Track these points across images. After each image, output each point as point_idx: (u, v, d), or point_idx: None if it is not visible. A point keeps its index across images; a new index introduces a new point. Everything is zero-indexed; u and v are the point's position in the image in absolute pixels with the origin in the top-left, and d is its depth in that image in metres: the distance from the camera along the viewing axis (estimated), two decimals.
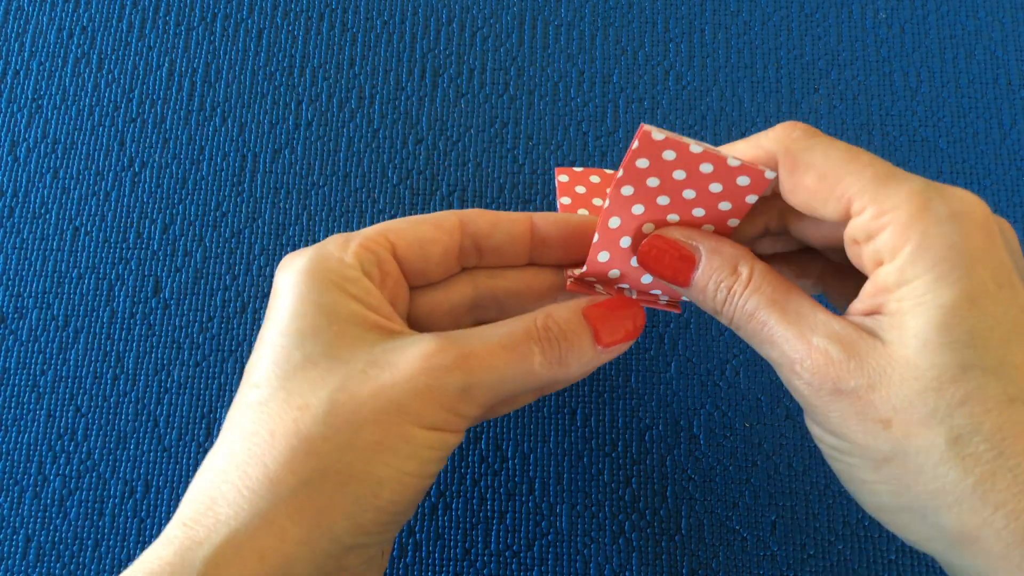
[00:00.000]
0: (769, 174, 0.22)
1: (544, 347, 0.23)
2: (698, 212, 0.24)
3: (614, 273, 0.25)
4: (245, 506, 0.20)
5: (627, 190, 0.23)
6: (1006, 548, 0.19)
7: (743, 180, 0.23)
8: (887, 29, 0.37)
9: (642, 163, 0.23)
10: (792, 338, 0.21)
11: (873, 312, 0.21)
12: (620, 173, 0.23)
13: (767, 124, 0.36)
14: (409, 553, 0.32)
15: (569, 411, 0.33)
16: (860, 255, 0.22)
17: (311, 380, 0.21)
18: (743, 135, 0.36)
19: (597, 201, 0.28)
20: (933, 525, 0.20)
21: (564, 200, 0.30)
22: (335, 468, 0.20)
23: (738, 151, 0.23)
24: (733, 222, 0.24)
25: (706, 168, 0.23)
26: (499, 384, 0.22)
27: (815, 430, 0.22)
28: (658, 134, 0.22)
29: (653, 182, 0.23)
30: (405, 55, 0.38)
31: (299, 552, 0.20)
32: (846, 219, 0.21)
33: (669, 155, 0.22)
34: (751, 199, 0.23)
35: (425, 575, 0.31)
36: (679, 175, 0.23)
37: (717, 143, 0.36)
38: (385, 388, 0.21)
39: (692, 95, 0.37)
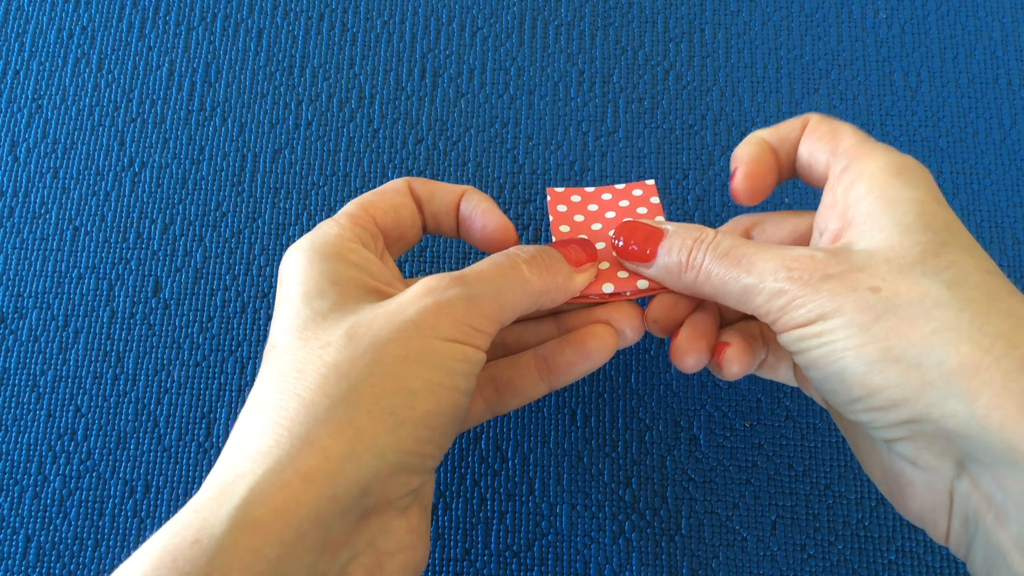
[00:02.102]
0: (649, 180, 0.30)
1: (527, 260, 0.25)
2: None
3: (607, 287, 0.28)
4: (284, 434, 0.20)
5: (564, 228, 0.29)
6: (1006, 375, 0.19)
7: (638, 191, 0.30)
8: (887, 29, 0.37)
9: (561, 208, 0.30)
10: (775, 256, 0.23)
11: (838, 239, 0.23)
12: (551, 218, 0.30)
13: (767, 124, 0.36)
14: None
15: (569, 411, 0.33)
16: (832, 196, 0.25)
17: (325, 327, 0.22)
18: (743, 135, 0.36)
19: (578, 216, 0.30)
20: (928, 368, 0.20)
21: (560, 208, 0.31)
22: (367, 384, 0.21)
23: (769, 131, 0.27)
24: (659, 218, 0.29)
25: (607, 196, 0.30)
26: (498, 293, 0.24)
27: (794, 333, 0.22)
28: (558, 188, 0.31)
29: (579, 218, 0.29)
30: (405, 55, 0.38)
31: (344, 469, 0.20)
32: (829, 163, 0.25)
33: (576, 197, 0.30)
34: (654, 199, 0.29)
35: (425, 575, 0.31)
36: (593, 207, 0.30)
37: (717, 143, 0.36)
38: (396, 313, 0.22)
39: (692, 95, 0.37)
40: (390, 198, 0.27)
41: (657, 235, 0.26)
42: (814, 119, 0.27)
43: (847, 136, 0.25)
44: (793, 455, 0.32)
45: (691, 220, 0.35)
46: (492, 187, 0.36)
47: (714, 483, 0.32)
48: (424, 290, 0.23)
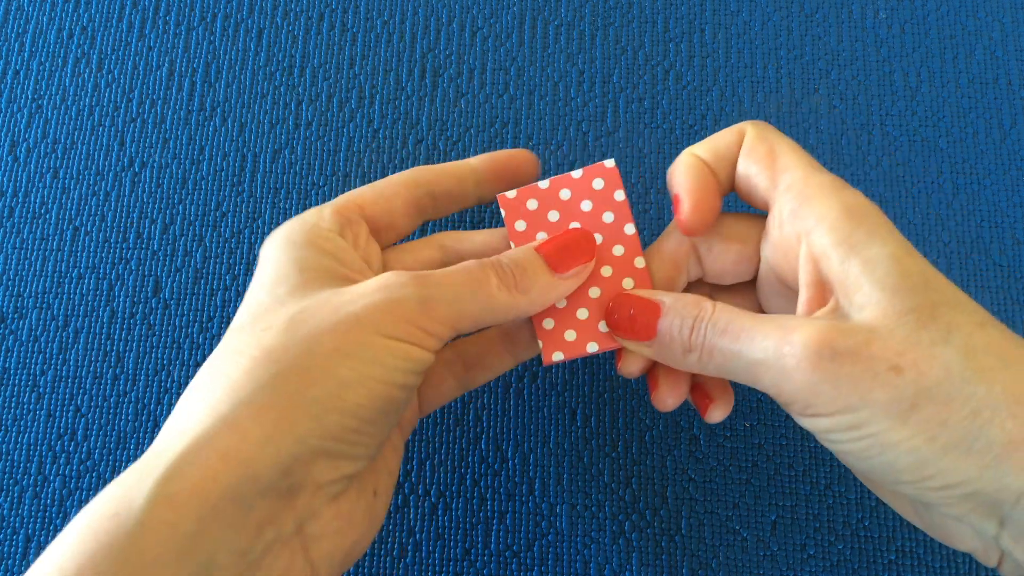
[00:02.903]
0: (608, 162, 0.27)
1: (499, 273, 0.24)
2: (598, 239, 0.27)
3: (570, 334, 0.26)
4: (207, 413, 0.20)
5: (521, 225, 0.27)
6: None
7: (598, 183, 0.27)
8: (887, 29, 0.37)
9: (520, 225, 0.27)
10: (776, 329, 0.22)
11: (820, 305, 0.22)
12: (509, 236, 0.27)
13: None
14: (409, 553, 0.32)
15: (569, 411, 0.33)
16: (781, 233, 0.24)
17: (275, 311, 0.22)
18: None
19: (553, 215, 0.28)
20: (979, 452, 0.19)
21: (519, 226, 0.28)
22: (295, 372, 0.21)
23: (706, 142, 0.26)
24: (629, 228, 0.27)
25: (565, 194, 0.27)
26: (457, 301, 0.23)
27: (822, 423, 0.21)
28: (510, 192, 0.27)
29: (542, 236, 0.27)
30: (405, 55, 0.38)
31: (263, 452, 0.20)
32: (770, 192, 0.24)
33: (533, 204, 0.27)
34: (619, 195, 0.27)
35: (425, 575, 0.31)
36: (554, 216, 0.27)
37: None
38: (344, 304, 0.22)
39: (692, 95, 0.37)
40: (382, 187, 0.27)
41: (654, 312, 0.24)
42: (750, 133, 0.25)
43: (788, 164, 0.24)
44: (793, 455, 0.32)
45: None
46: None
47: (714, 483, 0.32)
48: (379, 284, 0.23)
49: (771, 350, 0.21)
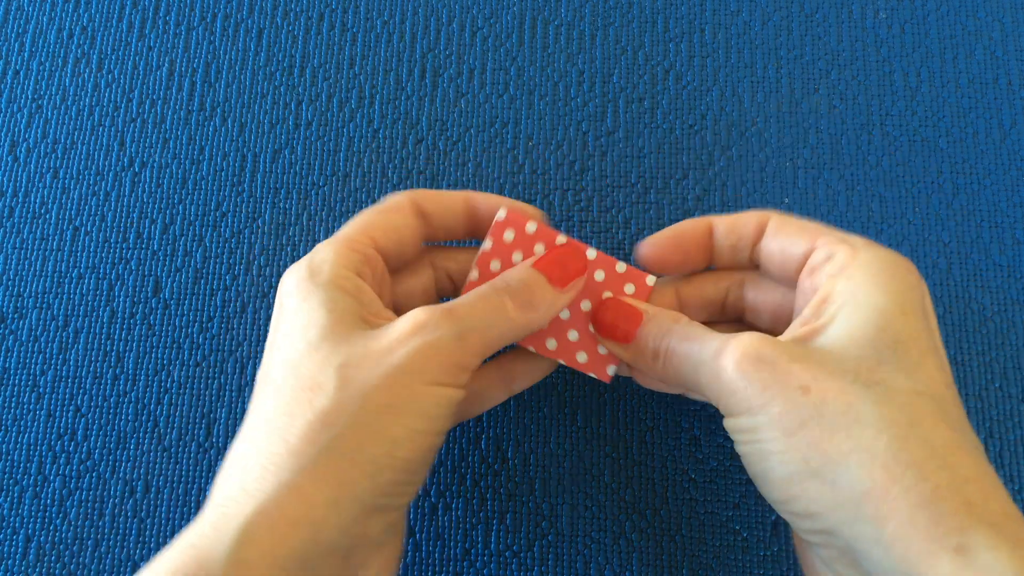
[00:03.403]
0: (650, 279, 0.28)
1: (512, 294, 0.25)
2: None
3: (551, 343, 0.28)
4: (271, 479, 0.21)
5: (495, 264, 0.28)
6: (912, 508, 0.19)
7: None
8: (887, 29, 0.37)
9: (508, 235, 0.28)
10: (726, 338, 0.23)
11: (808, 335, 0.23)
12: (488, 245, 0.28)
13: (767, 124, 0.36)
14: (409, 553, 0.32)
15: (570, 411, 0.33)
16: (811, 282, 0.25)
17: (317, 362, 0.23)
18: (743, 135, 0.36)
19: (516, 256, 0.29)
20: (841, 488, 0.20)
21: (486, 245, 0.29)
22: (351, 434, 0.22)
23: (728, 220, 0.28)
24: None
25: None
26: (487, 328, 0.24)
27: (730, 422, 0.23)
28: (505, 216, 0.28)
29: (517, 256, 0.28)
30: (405, 55, 0.38)
31: (326, 515, 0.21)
32: (808, 254, 0.25)
33: (509, 235, 0.28)
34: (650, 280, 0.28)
35: (425, 575, 0.31)
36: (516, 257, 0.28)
37: (717, 143, 0.36)
38: (386, 354, 0.22)
39: (692, 95, 0.37)
40: (393, 219, 0.27)
41: (636, 318, 0.27)
42: (776, 218, 0.26)
43: (826, 230, 0.25)
44: None
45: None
46: (492, 187, 0.36)
47: (715, 484, 0.32)
48: (414, 327, 0.23)
49: (712, 351, 0.23)
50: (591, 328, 0.28)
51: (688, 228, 0.28)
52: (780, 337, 0.23)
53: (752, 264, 0.28)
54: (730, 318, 0.30)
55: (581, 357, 0.28)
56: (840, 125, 0.36)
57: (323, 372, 0.22)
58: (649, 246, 0.28)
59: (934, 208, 0.35)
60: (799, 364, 0.22)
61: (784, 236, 0.26)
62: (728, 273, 0.29)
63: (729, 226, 0.27)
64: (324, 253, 0.25)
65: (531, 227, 0.28)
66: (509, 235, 0.28)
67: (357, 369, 0.22)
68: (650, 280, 0.28)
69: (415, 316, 0.23)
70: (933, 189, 0.35)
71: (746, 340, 0.23)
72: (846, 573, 0.22)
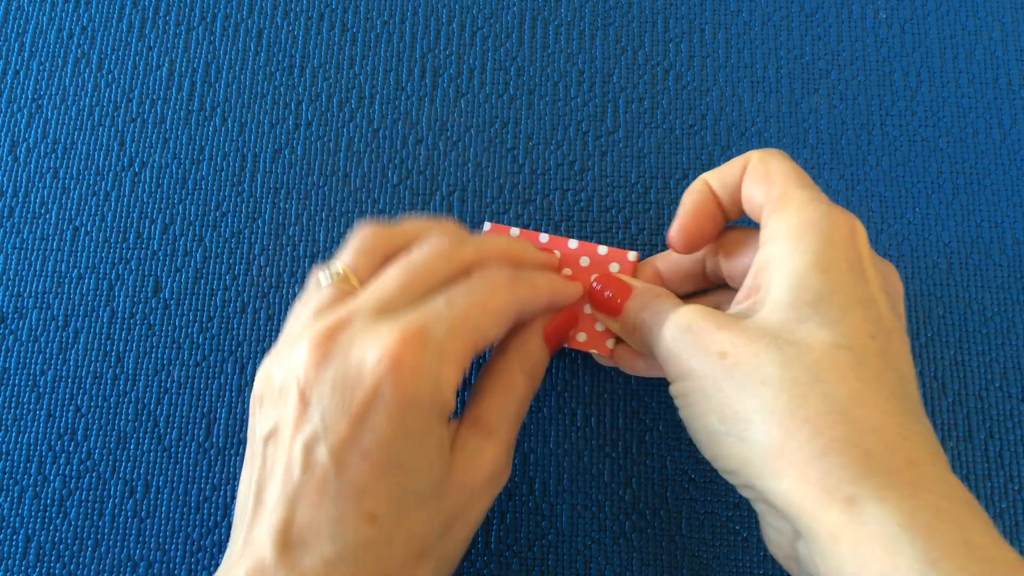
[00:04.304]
0: (631, 254, 0.30)
1: (525, 372, 0.28)
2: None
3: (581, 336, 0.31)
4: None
5: None
6: (805, 462, 0.20)
7: (614, 267, 0.30)
8: (887, 29, 0.37)
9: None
10: (670, 310, 0.25)
11: (747, 303, 0.24)
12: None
13: (767, 124, 0.36)
14: None
15: (569, 411, 0.33)
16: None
17: (423, 520, 0.24)
18: (743, 135, 0.36)
19: None
20: (750, 444, 0.21)
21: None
22: (438, 552, 0.24)
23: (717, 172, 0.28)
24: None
25: (584, 261, 0.31)
26: (519, 416, 0.27)
27: (671, 388, 0.25)
28: (543, 237, 0.31)
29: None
30: (405, 55, 0.38)
31: None
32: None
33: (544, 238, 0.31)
34: (631, 256, 0.30)
35: None
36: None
37: (717, 143, 0.36)
38: (471, 506, 0.25)
39: (692, 95, 0.37)
40: (498, 330, 0.26)
41: (626, 290, 0.28)
42: (754, 159, 0.26)
43: (777, 180, 0.25)
44: None
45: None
46: (492, 187, 0.36)
47: (715, 483, 0.32)
48: (490, 478, 0.26)
49: (660, 323, 0.25)
50: (587, 309, 0.30)
51: (698, 203, 0.28)
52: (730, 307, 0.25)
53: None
54: (716, 285, 0.30)
55: (581, 337, 0.30)
56: (840, 125, 0.36)
57: (428, 524, 0.24)
58: (678, 237, 0.28)
59: (934, 208, 0.35)
60: (723, 332, 0.23)
61: (751, 185, 0.26)
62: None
63: (721, 182, 0.27)
64: (436, 378, 0.23)
65: (515, 231, 0.31)
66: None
67: (449, 530, 0.25)
68: (631, 256, 0.30)
69: (490, 464, 0.26)
70: (933, 189, 0.35)
71: (683, 311, 0.24)
72: (778, 524, 0.23)
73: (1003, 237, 0.34)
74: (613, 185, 0.36)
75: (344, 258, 0.27)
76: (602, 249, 0.30)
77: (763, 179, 0.26)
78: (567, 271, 0.31)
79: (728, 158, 0.36)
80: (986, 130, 0.36)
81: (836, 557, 0.20)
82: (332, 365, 0.23)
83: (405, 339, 0.23)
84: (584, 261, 0.31)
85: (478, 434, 0.26)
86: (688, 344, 0.24)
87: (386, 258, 0.27)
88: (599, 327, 0.30)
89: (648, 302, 0.27)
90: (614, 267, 0.30)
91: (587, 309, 0.30)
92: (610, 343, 0.30)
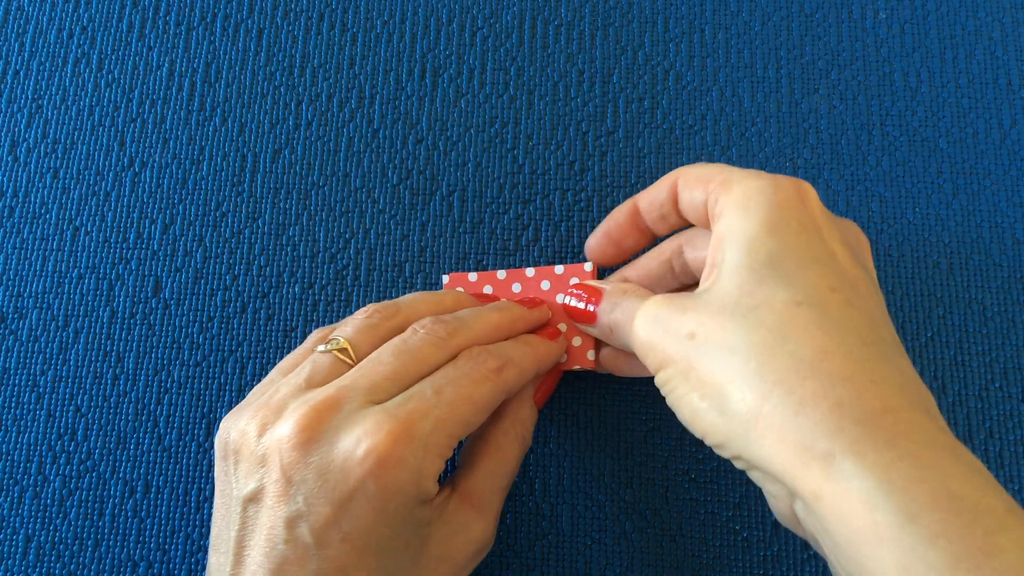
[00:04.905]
0: (587, 265, 0.31)
1: (518, 439, 0.29)
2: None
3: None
4: None
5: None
6: (782, 422, 0.20)
7: (574, 281, 0.31)
8: (887, 29, 0.37)
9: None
10: (635, 304, 0.26)
11: (709, 282, 0.24)
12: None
13: (767, 124, 0.36)
14: None
15: (570, 411, 0.33)
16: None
17: None
18: (743, 135, 0.36)
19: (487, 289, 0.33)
20: (730, 415, 0.21)
21: None
22: None
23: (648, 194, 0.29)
24: (528, 271, 0.32)
25: (545, 284, 0.32)
26: (508, 485, 0.28)
27: (655, 379, 0.25)
28: (529, 271, 0.32)
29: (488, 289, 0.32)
30: (405, 55, 0.38)
31: None
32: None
33: (517, 287, 0.32)
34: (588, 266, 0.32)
35: None
36: (488, 290, 0.32)
37: (717, 143, 0.36)
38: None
39: (692, 95, 0.37)
40: (478, 418, 0.26)
41: (597, 296, 0.29)
42: (682, 175, 0.27)
43: (714, 174, 0.26)
44: None
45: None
46: (492, 187, 0.36)
47: (715, 484, 0.32)
48: (475, 551, 0.26)
49: (629, 319, 0.26)
50: (562, 327, 0.31)
51: (616, 219, 0.30)
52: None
53: (687, 223, 0.29)
54: (691, 282, 0.31)
55: (562, 358, 0.31)
56: (840, 125, 0.36)
57: None
58: (589, 248, 0.31)
59: (934, 208, 0.35)
60: (687, 314, 0.23)
61: (688, 192, 0.27)
62: (665, 245, 0.30)
63: (649, 201, 0.29)
64: (432, 462, 0.24)
65: (472, 277, 0.32)
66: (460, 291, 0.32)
67: None
68: (587, 267, 0.31)
69: (477, 540, 0.26)
70: (933, 189, 0.35)
71: (649, 303, 0.25)
72: (774, 488, 0.22)
73: (1003, 237, 0.34)
74: (613, 185, 0.36)
75: (346, 331, 0.27)
76: (558, 269, 0.32)
77: (699, 181, 0.26)
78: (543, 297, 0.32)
79: (728, 158, 0.36)
80: (986, 130, 0.36)
81: (821, 515, 0.19)
82: (318, 452, 0.23)
83: (392, 436, 0.23)
84: (545, 285, 0.32)
85: (467, 509, 0.26)
86: (658, 333, 0.24)
87: (384, 339, 0.27)
88: (576, 342, 0.31)
89: (618, 301, 0.27)
90: (574, 281, 0.31)
91: (562, 327, 0.31)
92: (590, 355, 0.30)
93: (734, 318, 0.22)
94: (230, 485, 0.25)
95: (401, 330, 0.27)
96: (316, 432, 0.23)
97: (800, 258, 0.23)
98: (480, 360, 0.27)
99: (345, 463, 0.23)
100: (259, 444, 0.24)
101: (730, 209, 0.24)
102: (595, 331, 0.29)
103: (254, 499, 0.23)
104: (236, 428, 0.25)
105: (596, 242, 0.31)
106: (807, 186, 0.24)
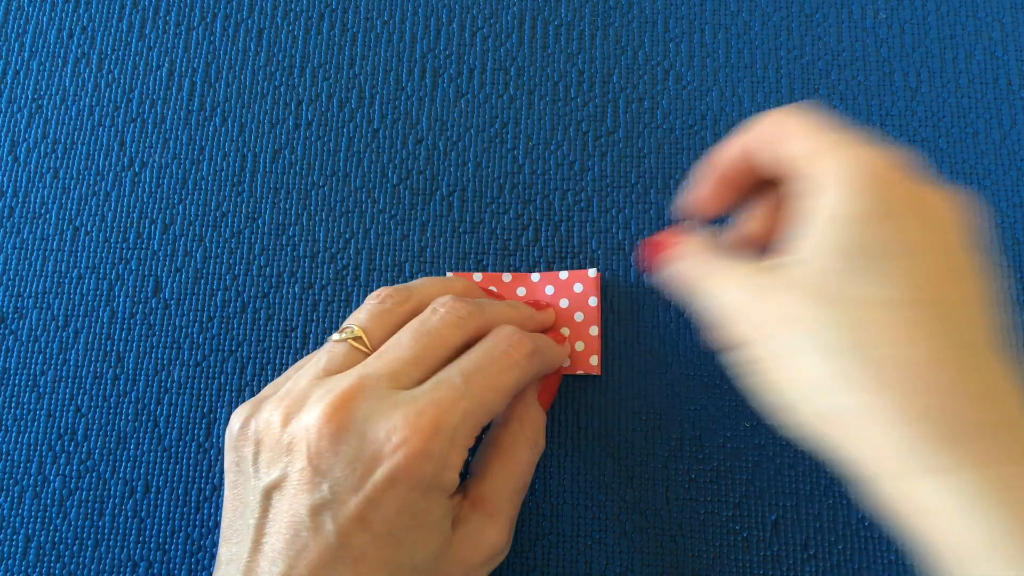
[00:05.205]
0: (591, 271, 0.32)
1: (530, 443, 0.28)
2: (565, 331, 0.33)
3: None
4: None
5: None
6: (886, 428, 0.20)
7: (578, 287, 0.32)
8: (887, 29, 0.37)
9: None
10: (721, 274, 0.25)
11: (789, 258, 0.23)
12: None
13: None
14: None
15: (571, 412, 0.33)
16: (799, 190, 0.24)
17: None
18: None
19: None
20: (823, 414, 0.21)
21: None
22: None
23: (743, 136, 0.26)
24: (593, 331, 0.32)
25: (549, 290, 0.33)
26: (522, 489, 0.28)
27: (734, 354, 0.24)
28: (505, 277, 0.33)
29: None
30: (405, 55, 0.38)
31: None
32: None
33: (521, 290, 0.33)
34: (593, 302, 0.32)
35: None
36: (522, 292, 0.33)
37: (717, 143, 0.36)
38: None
39: (692, 95, 0.37)
40: (499, 404, 0.26)
41: (676, 243, 0.27)
42: (791, 120, 0.24)
43: (816, 134, 0.23)
44: (794, 455, 0.32)
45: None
46: (492, 187, 0.36)
47: (715, 484, 0.32)
48: (489, 558, 0.26)
49: (713, 285, 0.24)
50: (565, 332, 0.31)
51: (728, 164, 0.26)
52: (771, 262, 0.23)
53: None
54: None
55: (565, 363, 0.32)
56: None
57: None
58: (698, 199, 0.27)
59: None
60: (780, 294, 0.22)
61: (784, 142, 0.24)
62: (762, 203, 0.27)
63: (757, 140, 0.25)
64: (458, 454, 0.24)
65: (477, 277, 0.33)
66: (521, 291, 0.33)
67: None
68: (591, 273, 0.32)
69: (491, 545, 0.26)
70: None
71: (737, 275, 0.23)
72: (862, 484, 0.22)
73: (1003, 237, 0.34)
74: (613, 185, 0.36)
75: (359, 319, 0.27)
76: (563, 274, 0.32)
77: (801, 135, 0.24)
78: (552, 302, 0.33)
79: None
80: (986, 130, 0.36)
81: (921, 526, 0.19)
82: (347, 441, 0.23)
83: (422, 431, 0.23)
84: (549, 289, 0.32)
85: (481, 514, 0.26)
86: (747, 305, 0.23)
87: (399, 325, 0.27)
88: (579, 347, 0.31)
89: (697, 262, 0.25)
90: (578, 287, 0.32)
91: (565, 332, 0.31)
92: (593, 360, 0.31)
93: (834, 310, 0.21)
94: (247, 475, 0.24)
95: (415, 314, 0.27)
96: (345, 421, 0.23)
97: (907, 250, 0.21)
98: (515, 341, 0.26)
99: (376, 455, 0.23)
100: (284, 433, 0.24)
101: (834, 182, 0.22)
102: (662, 276, 0.27)
103: (277, 487, 0.23)
104: (260, 418, 0.25)
105: (710, 189, 0.27)
106: (918, 161, 0.23)
